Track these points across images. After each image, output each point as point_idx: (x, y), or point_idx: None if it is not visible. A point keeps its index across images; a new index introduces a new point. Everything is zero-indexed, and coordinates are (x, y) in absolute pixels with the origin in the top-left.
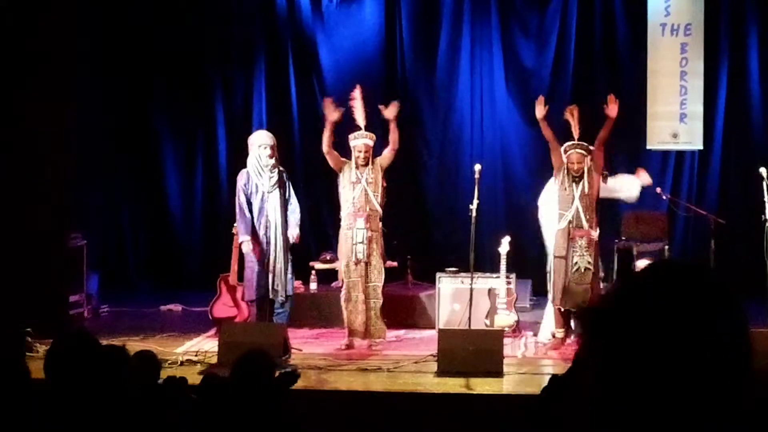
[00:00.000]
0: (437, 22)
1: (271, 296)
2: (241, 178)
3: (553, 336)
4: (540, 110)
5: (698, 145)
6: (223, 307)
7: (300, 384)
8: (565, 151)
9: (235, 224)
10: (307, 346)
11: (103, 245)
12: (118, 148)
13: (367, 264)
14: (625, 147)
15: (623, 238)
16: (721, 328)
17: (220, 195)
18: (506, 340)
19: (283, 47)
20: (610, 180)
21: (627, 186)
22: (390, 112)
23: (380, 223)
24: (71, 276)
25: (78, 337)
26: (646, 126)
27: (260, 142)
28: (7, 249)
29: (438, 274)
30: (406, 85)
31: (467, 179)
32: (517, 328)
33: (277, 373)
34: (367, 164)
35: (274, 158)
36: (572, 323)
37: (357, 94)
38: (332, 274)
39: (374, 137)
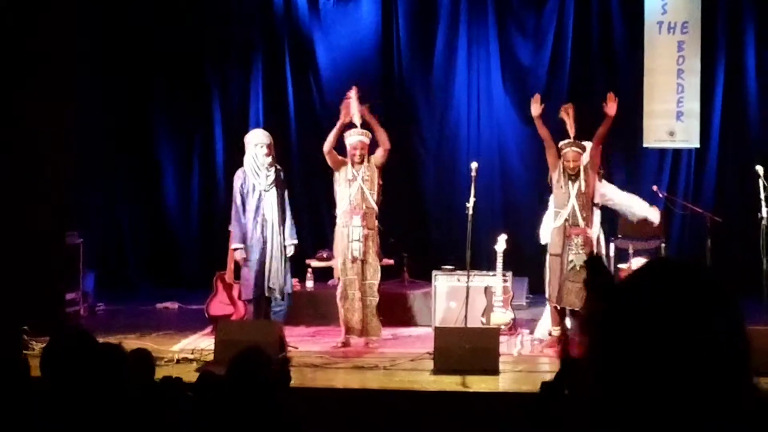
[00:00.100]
0: (434, 20)
1: (267, 294)
2: (238, 179)
3: (550, 334)
4: (536, 108)
5: (695, 143)
6: (219, 305)
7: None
8: (561, 150)
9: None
10: (304, 344)
11: (99, 243)
12: (116, 148)
13: (364, 262)
14: (622, 145)
15: (619, 236)
16: (718, 326)
17: (216, 193)
18: (502, 338)
19: (280, 46)
20: (626, 195)
21: (639, 206)
22: (357, 118)
23: (376, 221)
24: (68, 274)
25: (74, 335)
26: (643, 124)
27: (257, 141)
28: (4, 247)
29: (434, 272)
30: (402, 83)
31: (464, 177)
32: (514, 326)
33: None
34: (362, 161)
35: (270, 157)
36: (568, 321)
37: (353, 93)
38: (329, 272)
39: (369, 135)
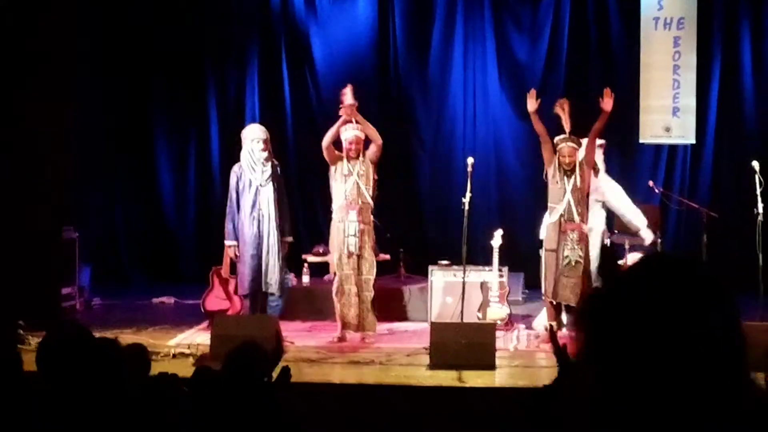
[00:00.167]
0: (430, 16)
1: (264, 289)
2: (233, 174)
3: (546, 329)
4: (532, 104)
5: (691, 139)
6: (215, 300)
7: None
8: (557, 145)
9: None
10: (300, 339)
11: (95, 238)
12: (113, 144)
13: (359, 257)
14: (618, 141)
15: (615, 231)
16: (714, 322)
17: (213, 188)
18: (498, 333)
19: (276, 41)
20: (628, 206)
21: (636, 222)
22: (344, 111)
23: (372, 216)
24: (64, 268)
25: (70, 330)
26: (639, 120)
27: (253, 136)
28: (0, 242)
29: (430, 267)
30: (399, 78)
31: (460, 173)
32: (510, 321)
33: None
34: (358, 157)
35: (267, 152)
36: (563, 317)
37: (348, 90)
38: (325, 267)
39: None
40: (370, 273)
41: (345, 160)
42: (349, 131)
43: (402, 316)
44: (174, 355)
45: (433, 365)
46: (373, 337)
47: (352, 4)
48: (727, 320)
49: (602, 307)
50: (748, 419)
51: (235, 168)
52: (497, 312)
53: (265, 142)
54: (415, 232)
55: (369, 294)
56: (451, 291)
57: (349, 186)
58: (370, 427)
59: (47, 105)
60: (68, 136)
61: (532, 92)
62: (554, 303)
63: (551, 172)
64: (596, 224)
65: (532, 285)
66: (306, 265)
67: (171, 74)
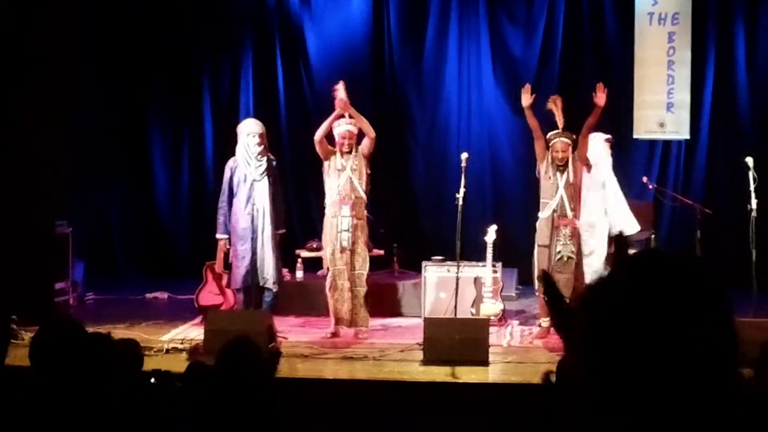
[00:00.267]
0: (425, 10)
1: (261, 284)
2: (228, 168)
3: (539, 325)
4: (526, 99)
5: (685, 135)
6: (209, 295)
7: (285, 372)
8: (550, 140)
9: None
10: (293, 334)
11: (89, 233)
12: (107, 139)
13: (353, 252)
14: (612, 136)
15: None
16: (708, 318)
17: (206, 183)
18: (492, 329)
19: (270, 36)
20: (618, 209)
21: (623, 221)
22: (338, 104)
23: (365, 211)
24: (57, 263)
25: (63, 325)
26: (633, 115)
27: (249, 131)
28: None
29: (424, 263)
30: (393, 73)
31: (454, 168)
32: (503, 317)
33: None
34: (351, 151)
35: (262, 146)
36: None
37: (340, 86)
38: (318, 262)
39: (358, 125)
40: (362, 268)
41: (338, 155)
42: (342, 126)
43: (395, 312)
44: (167, 350)
45: (427, 361)
46: (366, 332)
47: None
48: (721, 316)
49: (596, 302)
50: (740, 415)
51: (230, 162)
52: (491, 308)
53: (260, 136)
54: (409, 227)
55: (362, 289)
56: (445, 286)
57: (342, 181)
58: (363, 423)
59: (46, 105)
60: (67, 135)
61: (527, 87)
62: (546, 299)
63: (544, 167)
64: (600, 221)
65: (526, 281)
66: (299, 260)
67: (165, 70)
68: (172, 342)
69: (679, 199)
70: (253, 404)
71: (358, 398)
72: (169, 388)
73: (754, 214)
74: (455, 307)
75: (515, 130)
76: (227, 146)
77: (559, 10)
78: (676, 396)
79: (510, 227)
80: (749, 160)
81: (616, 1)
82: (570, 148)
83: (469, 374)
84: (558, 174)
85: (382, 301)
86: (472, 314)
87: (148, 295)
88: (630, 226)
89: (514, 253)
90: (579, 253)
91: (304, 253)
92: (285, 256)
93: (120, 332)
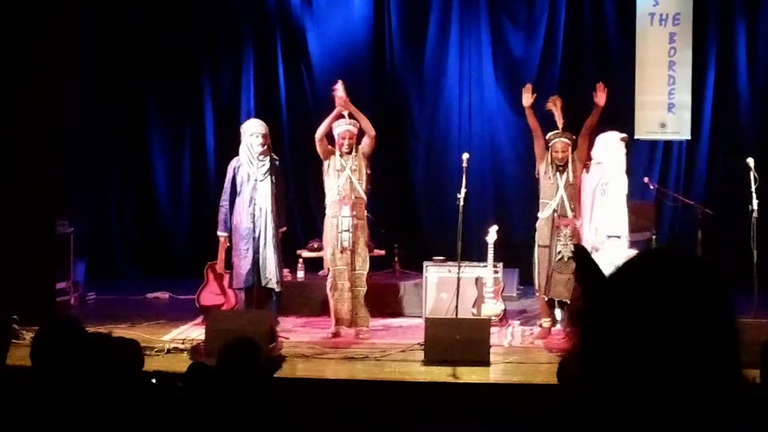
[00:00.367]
0: (426, 10)
1: (263, 284)
2: (231, 167)
3: (540, 325)
4: (527, 98)
5: (686, 135)
6: (210, 295)
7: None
8: (549, 140)
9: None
10: (294, 335)
11: (90, 232)
12: (108, 139)
13: (353, 252)
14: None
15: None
16: (709, 318)
17: (207, 182)
18: (493, 329)
19: (271, 36)
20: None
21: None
22: (339, 102)
23: (365, 211)
24: (58, 263)
25: (64, 325)
26: (634, 116)
27: (252, 131)
28: None
29: (425, 263)
30: (394, 73)
31: (455, 168)
32: (504, 317)
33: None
34: (350, 152)
35: (265, 146)
36: (557, 313)
37: (339, 86)
38: (320, 263)
39: (357, 125)
40: (363, 268)
41: (337, 155)
42: (342, 126)
43: (396, 312)
44: (168, 351)
45: (428, 361)
46: (367, 332)
47: None
48: (722, 317)
49: (597, 305)
50: (743, 417)
51: (233, 162)
52: (492, 308)
53: (264, 136)
54: (410, 227)
55: (362, 289)
56: (446, 287)
57: (342, 181)
58: (364, 423)
59: (46, 104)
60: (67, 136)
61: (528, 87)
62: (547, 299)
63: (543, 167)
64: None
65: (527, 281)
66: (301, 260)
67: (166, 70)
68: (173, 342)
69: (680, 200)
70: (254, 404)
71: (359, 398)
72: (169, 388)
73: (755, 214)
74: (456, 307)
75: (516, 131)
76: (228, 146)
77: (560, 11)
78: (677, 397)
79: (511, 228)
80: (750, 161)
81: (617, 2)
82: (570, 149)
83: (470, 374)
84: (558, 174)
85: (384, 301)
86: (473, 314)
87: (149, 295)
88: (615, 228)
89: (516, 254)
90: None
91: (305, 254)
92: (286, 257)
93: (121, 332)
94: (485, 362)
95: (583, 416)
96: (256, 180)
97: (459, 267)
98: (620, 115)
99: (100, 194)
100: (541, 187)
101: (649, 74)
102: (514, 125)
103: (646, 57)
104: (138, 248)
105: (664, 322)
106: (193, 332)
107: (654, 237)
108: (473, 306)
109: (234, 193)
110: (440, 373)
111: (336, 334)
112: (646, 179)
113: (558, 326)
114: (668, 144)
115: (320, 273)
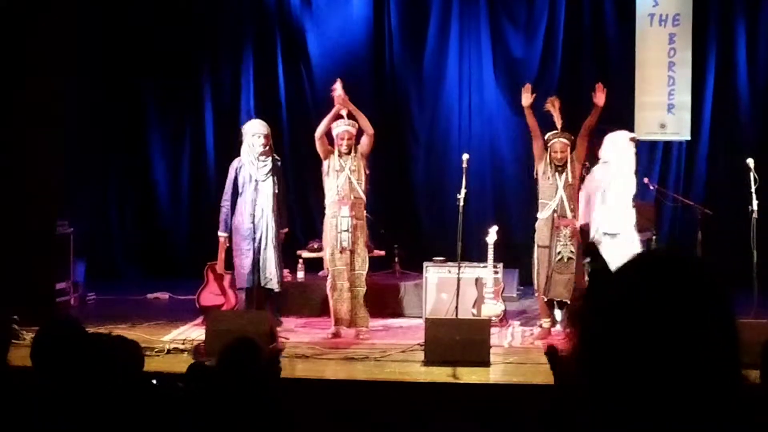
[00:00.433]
0: (426, 11)
1: (264, 284)
2: (233, 167)
3: (540, 326)
4: (526, 98)
5: (686, 136)
6: (210, 296)
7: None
8: (548, 141)
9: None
10: (294, 335)
11: (90, 232)
12: (108, 138)
13: (352, 252)
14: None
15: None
16: (709, 318)
17: (207, 183)
18: (493, 330)
19: (271, 37)
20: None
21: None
22: (338, 100)
23: (365, 211)
24: (58, 263)
25: (65, 325)
26: (634, 116)
27: (254, 131)
28: None
29: (425, 264)
30: (394, 74)
31: (455, 168)
32: (504, 318)
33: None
34: (349, 152)
35: (267, 147)
36: (557, 314)
37: (338, 86)
38: (319, 263)
39: (356, 125)
40: (362, 268)
41: (336, 155)
42: (341, 126)
43: (397, 312)
44: (168, 351)
45: (428, 361)
46: (367, 332)
47: None
48: (722, 317)
49: (596, 305)
50: (743, 417)
51: (235, 162)
52: (492, 308)
53: (265, 137)
54: (410, 228)
55: (361, 289)
56: (446, 287)
57: (341, 181)
58: (364, 424)
59: (46, 104)
60: (67, 136)
61: (527, 87)
62: (546, 299)
63: (542, 168)
64: (627, 227)
65: (527, 281)
66: (301, 261)
67: (166, 70)
68: (174, 342)
69: (680, 200)
70: (254, 405)
71: (359, 399)
72: (170, 388)
73: (755, 215)
74: (456, 307)
75: (516, 131)
76: (227, 146)
77: (559, 12)
78: (677, 398)
79: (511, 228)
80: (750, 161)
81: (616, 3)
82: (569, 149)
83: (470, 375)
84: (557, 174)
85: (384, 301)
86: (474, 315)
87: (149, 295)
88: (613, 226)
89: (516, 254)
90: (578, 253)
91: (305, 254)
92: (286, 257)
93: (121, 332)
94: (485, 363)
95: (583, 416)
96: (257, 181)
97: (459, 267)
98: (620, 115)
99: (100, 194)
100: (540, 187)
101: (648, 75)
102: (514, 126)
103: (645, 58)
104: (138, 248)
105: (664, 322)
106: (193, 332)
107: (654, 237)
108: (473, 306)
109: (235, 194)
110: (440, 374)
111: (336, 335)
112: (646, 180)
113: (558, 327)
114: (668, 144)
115: (320, 273)
